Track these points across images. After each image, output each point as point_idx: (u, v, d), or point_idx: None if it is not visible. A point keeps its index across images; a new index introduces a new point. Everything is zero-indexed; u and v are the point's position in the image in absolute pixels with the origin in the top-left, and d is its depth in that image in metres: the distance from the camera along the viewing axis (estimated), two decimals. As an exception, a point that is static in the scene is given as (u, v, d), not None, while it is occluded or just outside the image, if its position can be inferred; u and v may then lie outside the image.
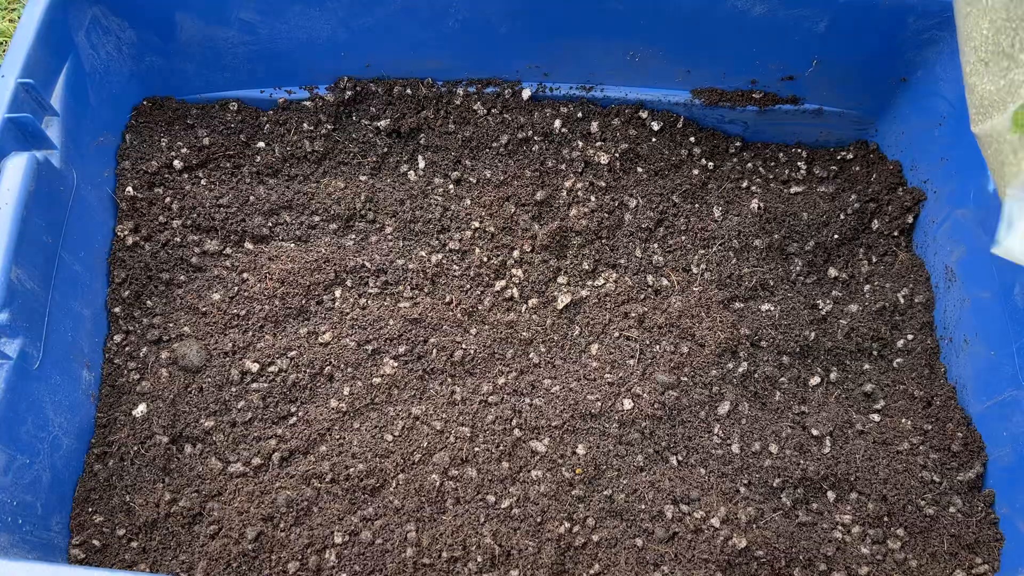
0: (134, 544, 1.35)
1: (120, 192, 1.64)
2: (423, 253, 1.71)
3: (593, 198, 1.77)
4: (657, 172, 1.83)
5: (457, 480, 1.43)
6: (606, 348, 1.63)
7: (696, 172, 1.83)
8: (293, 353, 1.55)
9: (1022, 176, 1.03)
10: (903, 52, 1.70)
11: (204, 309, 1.59)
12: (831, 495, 1.48)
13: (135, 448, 1.42)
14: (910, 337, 1.68)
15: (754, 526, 1.41)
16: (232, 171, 1.75)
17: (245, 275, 1.63)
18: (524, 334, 1.64)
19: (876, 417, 1.59)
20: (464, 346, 1.59)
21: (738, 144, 1.89)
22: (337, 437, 1.47)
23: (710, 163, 1.86)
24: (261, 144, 1.78)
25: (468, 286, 1.69)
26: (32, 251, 1.33)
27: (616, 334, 1.65)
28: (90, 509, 1.37)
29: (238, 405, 1.49)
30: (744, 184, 1.85)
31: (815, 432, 1.54)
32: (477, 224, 1.75)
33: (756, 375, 1.60)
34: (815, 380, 1.62)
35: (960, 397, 1.59)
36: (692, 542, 1.38)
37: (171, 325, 1.56)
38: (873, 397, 1.62)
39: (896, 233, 1.79)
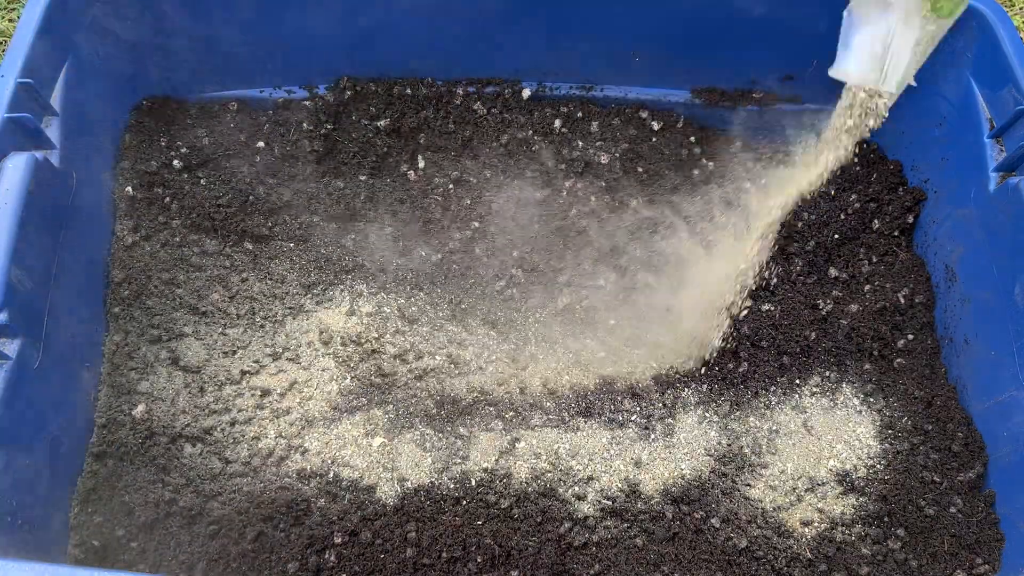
0: (134, 544, 1.35)
1: (120, 192, 1.63)
2: (423, 253, 1.71)
3: (593, 198, 1.77)
4: (657, 172, 1.83)
5: (456, 480, 1.43)
6: (607, 348, 1.63)
7: (696, 172, 1.83)
8: (292, 353, 1.55)
9: None
10: (903, 52, 1.70)
11: (204, 309, 1.59)
12: (831, 493, 1.48)
13: (135, 448, 1.42)
14: (910, 337, 1.68)
15: (754, 524, 1.41)
16: (232, 171, 1.75)
17: (245, 275, 1.63)
18: (525, 333, 1.64)
19: (877, 417, 1.59)
20: (465, 346, 1.59)
21: (738, 144, 1.89)
22: (336, 436, 1.47)
23: (710, 163, 1.86)
24: (261, 144, 1.78)
25: (468, 286, 1.69)
26: (32, 251, 1.33)
27: (617, 333, 1.65)
28: (90, 509, 1.37)
29: (238, 404, 1.49)
30: (744, 184, 1.84)
31: (816, 431, 1.54)
32: (477, 224, 1.75)
33: (756, 375, 1.60)
34: (815, 380, 1.62)
35: (960, 397, 1.59)
36: (692, 542, 1.38)
37: (171, 325, 1.56)
38: (873, 397, 1.61)
39: (896, 233, 1.79)
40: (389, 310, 1.63)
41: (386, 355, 1.57)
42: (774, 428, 1.55)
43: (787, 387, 1.61)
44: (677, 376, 1.60)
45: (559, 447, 1.48)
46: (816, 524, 1.44)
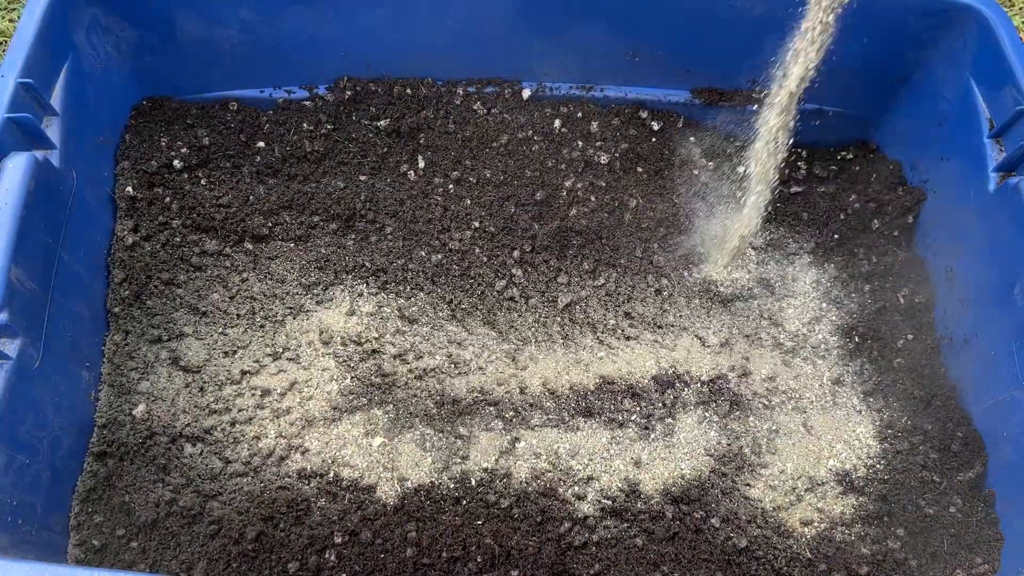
0: (134, 544, 1.35)
1: (120, 192, 1.63)
2: (423, 253, 1.71)
3: (593, 198, 1.77)
4: (657, 172, 1.83)
5: (456, 480, 1.43)
6: (607, 347, 1.63)
7: (696, 172, 1.84)
8: (292, 352, 1.55)
9: None
10: (903, 52, 1.70)
11: (204, 309, 1.59)
12: (831, 493, 1.48)
13: (135, 448, 1.42)
14: (910, 337, 1.68)
15: (754, 524, 1.41)
16: (232, 171, 1.75)
17: (245, 275, 1.63)
18: (525, 333, 1.64)
19: (876, 417, 1.59)
20: (465, 346, 1.59)
21: (738, 144, 1.89)
22: (336, 436, 1.47)
23: (710, 163, 1.86)
24: (261, 144, 1.78)
25: (468, 286, 1.69)
26: (32, 251, 1.33)
27: (617, 333, 1.65)
28: (90, 509, 1.37)
29: (238, 404, 1.49)
30: (744, 183, 1.84)
31: (815, 430, 1.54)
32: (477, 224, 1.75)
33: (756, 374, 1.60)
34: (815, 380, 1.62)
35: (960, 397, 1.59)
36: (692, 542, 1.38)
37: (171, 325, 1.56)
38: (873, 397, 1.62)
39: (896, 233, 1.79)
40: (389, 310, 1.63)
41: (386, 355, 1.57)
42: (774, 428, 1.55)
43: (788, 386, 1.61)
44: (677, 376, 1.60)
45: (559, 447, 1.48)
46: (816, 524, 1.44)
